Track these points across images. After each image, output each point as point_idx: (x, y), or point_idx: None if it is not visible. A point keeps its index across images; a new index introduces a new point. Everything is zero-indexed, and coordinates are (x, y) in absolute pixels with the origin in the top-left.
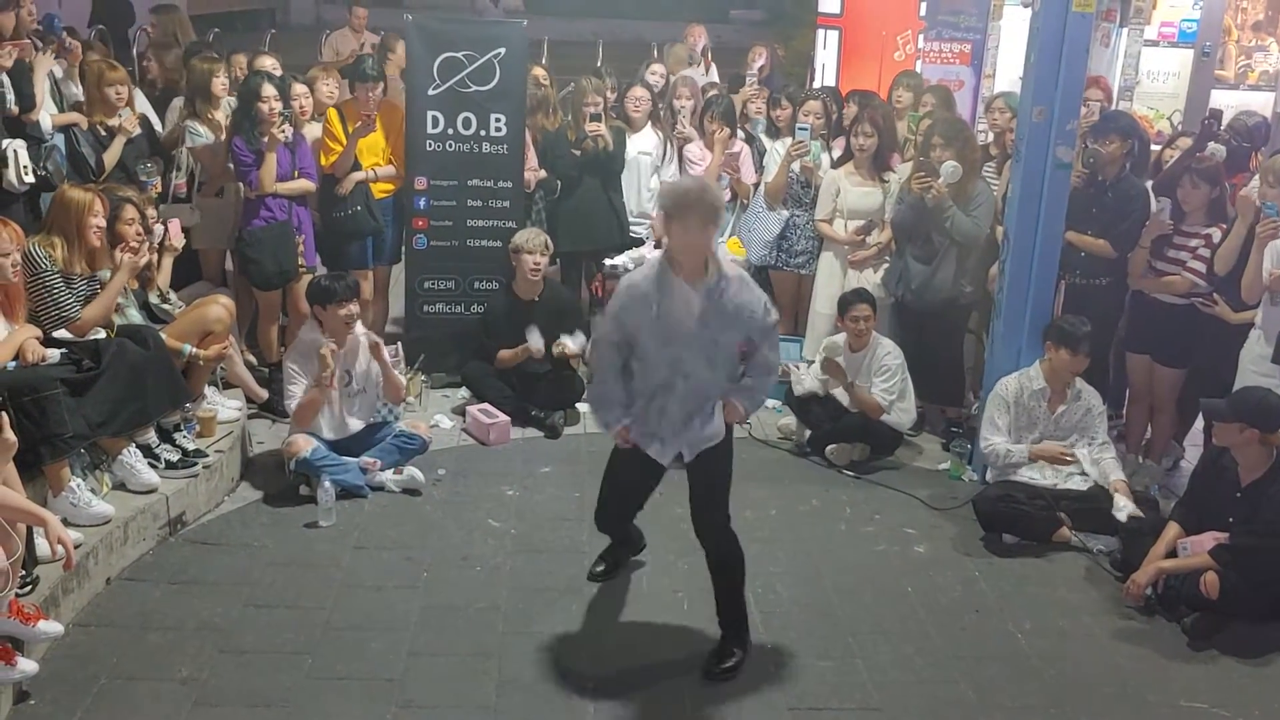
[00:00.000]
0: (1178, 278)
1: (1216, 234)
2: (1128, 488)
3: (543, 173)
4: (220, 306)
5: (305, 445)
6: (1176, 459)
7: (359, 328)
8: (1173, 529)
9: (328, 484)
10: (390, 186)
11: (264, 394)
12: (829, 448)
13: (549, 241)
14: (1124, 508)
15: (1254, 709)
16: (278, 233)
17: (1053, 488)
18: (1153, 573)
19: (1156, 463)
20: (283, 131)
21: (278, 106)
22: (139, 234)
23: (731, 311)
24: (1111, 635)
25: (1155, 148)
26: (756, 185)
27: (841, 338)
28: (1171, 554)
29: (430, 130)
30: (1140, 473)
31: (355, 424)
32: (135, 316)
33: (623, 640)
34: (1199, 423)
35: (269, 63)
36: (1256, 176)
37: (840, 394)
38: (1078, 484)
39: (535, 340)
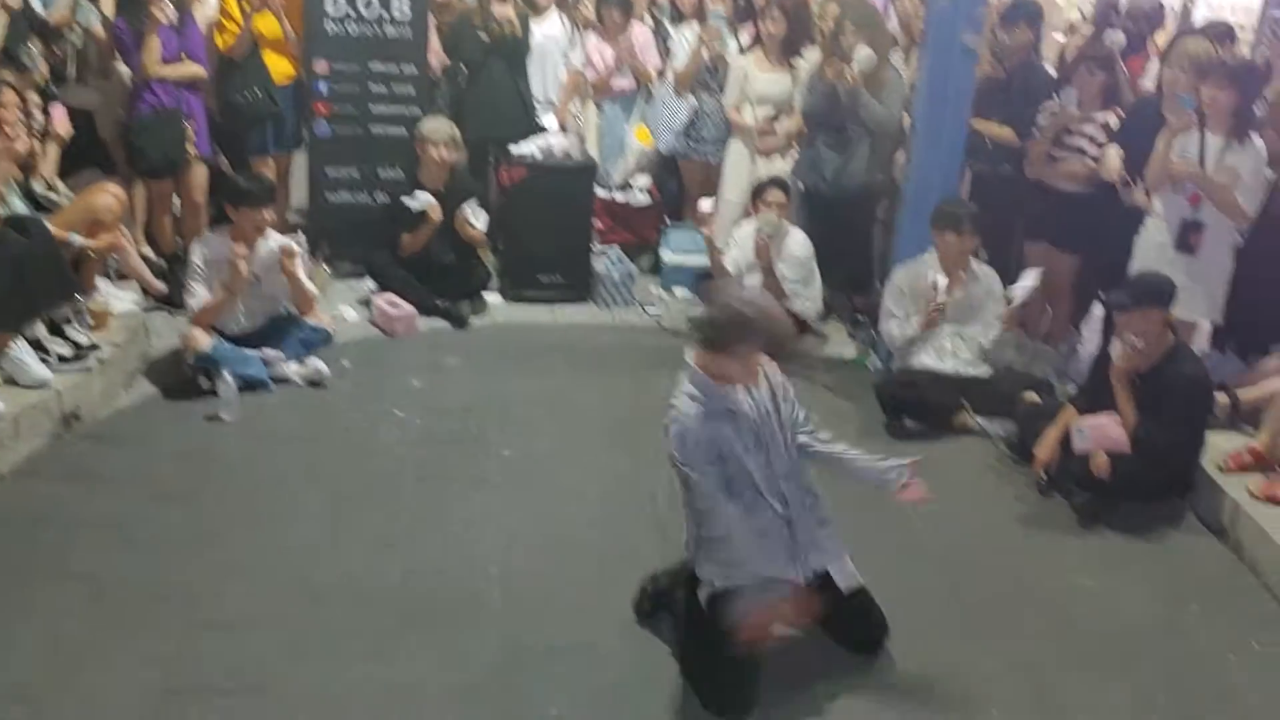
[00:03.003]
0: (1078, 164)
1: (1112, 119)
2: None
3: (446, 59)
4: (109, 195)
5: (205, 339)
6: (1074, 344)
7: (274, 235)
8: (1068, 412)
9: (229, 377)
10: (291, 71)
11: (161, 287)
12: None
13: (457, 134)
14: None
15: (1139, 583)
16: (165, 119)
17: (954, 374)
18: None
19: (1054, 349)
20: (163, 11)
21: None
22: (16, 119)
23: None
24: (1006, 517)
25: (1060, 38)
26: (662, 72)
27: (753, 224)
28: (1067, 436)
29: (330, 11)
30: (1039, 358)
31: (256, 322)
32: (19, 206)
33: (528, 528)
34: (1097, 309)
35: None
36: (1157, 60)
37: (750, 281)
38: (977, 370)
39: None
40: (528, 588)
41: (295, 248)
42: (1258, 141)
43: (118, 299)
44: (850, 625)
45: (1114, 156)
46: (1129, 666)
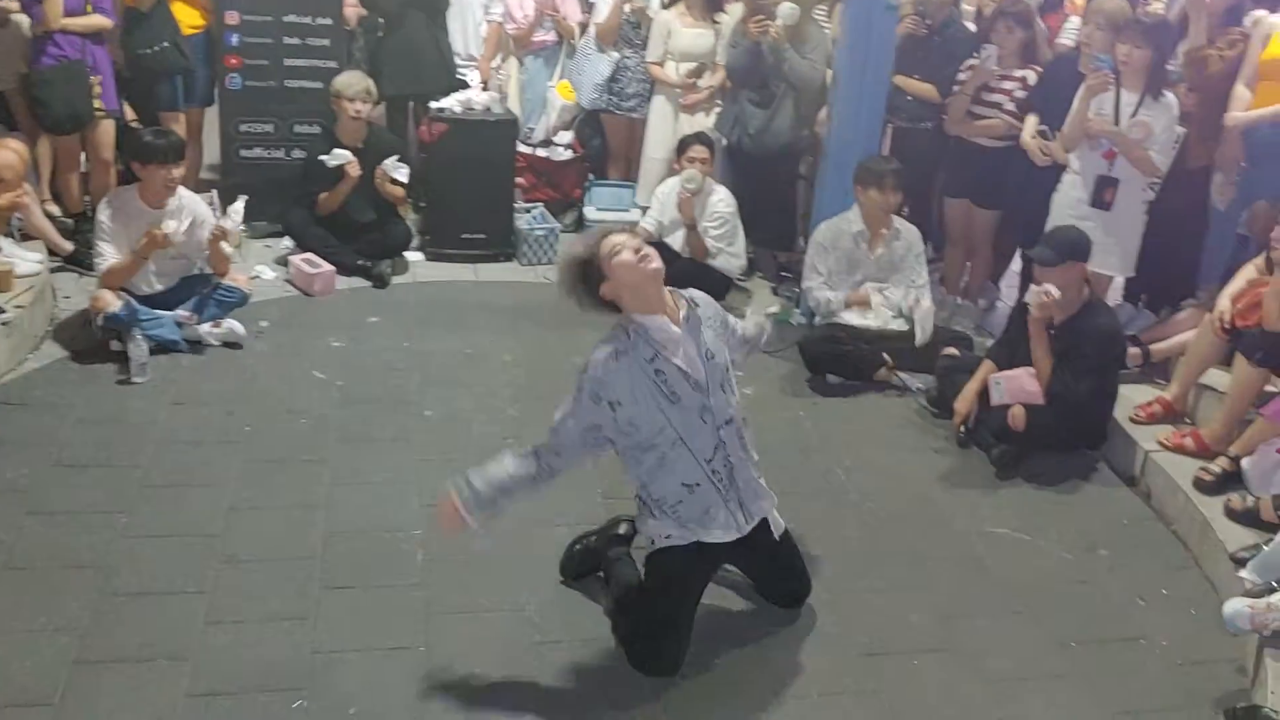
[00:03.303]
0: (996, 121)
1: (1031, 76)
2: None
3: (363, 10)
4: (11, 152)
5: (114, 300)
6: (992, 299)
7: (185, 192)
8: (986, 366)
9: (140, 339)
10: (200, 22)
11: (68, 246)
12: None
13: (372, 88)
14: (921, 328)
15: (1052, 531)
16: (69, 73)
17: (876, 329)
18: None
19: (973, 304)
20: None
21: None
22: None
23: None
24: (925, 469)
25: None
26: (584, 26)
27: (676, 181)
28: (985, 390)
29: None
30: (958, 314)
31: (168, 282)
32: None
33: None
34: (1015, 264)
35: None
36: (1074, 18)
37: (674, 239)
38: (898, 325)
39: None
40: (451, 549)
41: (226, 228)
42: (1171, 98)
43: (22, 259)
44: (775, 579)
45: (1032, 142)
46: (1043, 613)
